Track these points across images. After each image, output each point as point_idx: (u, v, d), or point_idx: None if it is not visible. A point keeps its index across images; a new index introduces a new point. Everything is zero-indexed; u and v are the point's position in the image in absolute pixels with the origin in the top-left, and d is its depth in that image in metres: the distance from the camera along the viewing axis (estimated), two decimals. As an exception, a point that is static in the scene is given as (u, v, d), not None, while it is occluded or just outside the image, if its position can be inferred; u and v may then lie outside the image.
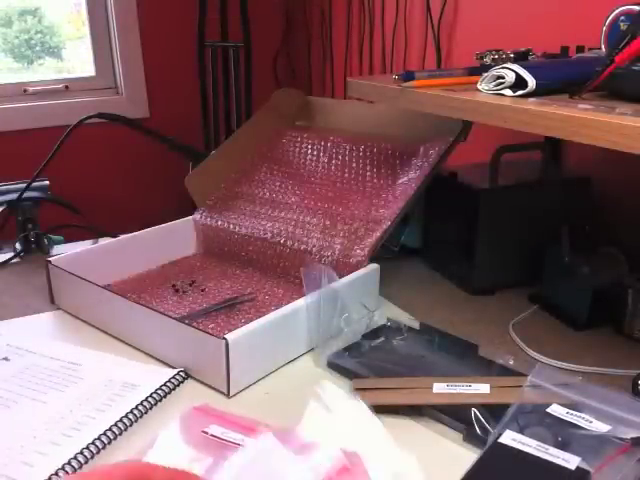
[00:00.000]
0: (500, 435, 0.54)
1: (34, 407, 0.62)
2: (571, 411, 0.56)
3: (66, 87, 1.88)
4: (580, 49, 0.85)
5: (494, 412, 0.57)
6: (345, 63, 1.72)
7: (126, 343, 0.75)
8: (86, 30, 1.89)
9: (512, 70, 0.67)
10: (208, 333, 0.66)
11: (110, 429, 0.57)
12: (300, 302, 0.72)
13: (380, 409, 0.60)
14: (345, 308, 0.73)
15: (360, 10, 1.61)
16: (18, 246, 1.04)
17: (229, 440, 0.54)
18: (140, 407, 0.61)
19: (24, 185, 1.05)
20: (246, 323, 0.67)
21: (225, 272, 0.94)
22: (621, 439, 0.52)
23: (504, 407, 0.57)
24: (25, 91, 1.84)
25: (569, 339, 0.77)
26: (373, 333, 0.75)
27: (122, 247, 0.92)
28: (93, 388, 0.64)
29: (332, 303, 0.73)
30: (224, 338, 0.62)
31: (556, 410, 0.56)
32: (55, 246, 1.06)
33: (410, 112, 0.92)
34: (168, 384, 0.65)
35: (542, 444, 0.52)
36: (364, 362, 0.68)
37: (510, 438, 0.53)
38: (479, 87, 0.72)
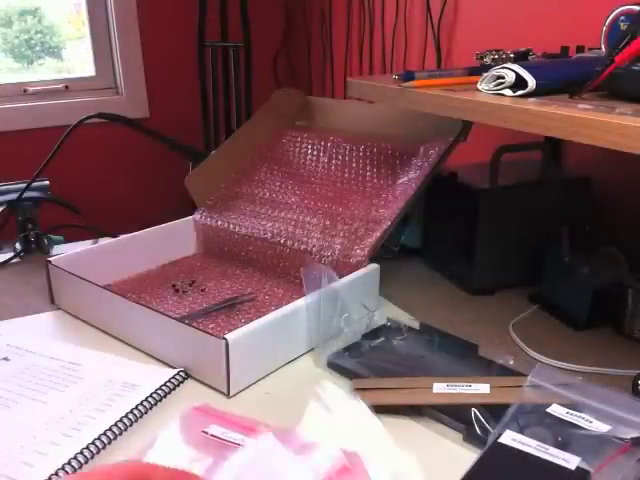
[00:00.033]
0: (500, 435, 0.54)
1: (34, 407, 0.62)
2: (571, 411, 0.56)
3: (66, 87, 1.88)
4: (580, 49, 0.85)
5: (494, 412, 0.57)
6: (345, 63, 1.72)
7: (126, 343, 0.75)
8: (86, 30, 1.89)
9: (512, 70, 0.67)
10: (208, 333, 0.66)
11: (110, 429, 0.57)
12: (300, 302, 0.72)
13: (380, 409, 0.60)
14: (345, 308, 0.73)
15: (360, 10, 1.61)
16: (18, 246, 1.04)
17: (229, 440, 0.54)
18: (140, 407, 0.61)
19: (24, 185, 1.05)
20: (246, 323, 0.67)
21: (225, 272, 0.94)
22: (621, 439, 0.52)
23: (504, 407, 0.57)
24: (25, 91, 1.84)
25: (569, 339, 0.77)
26: (373, 333, 0.75)
27: (122, 247, 0.92)
28: (93, 388, 0.64)
29: (332, 303, 0.73)
30: (224, 338, 0.62)
31: (556, 410, 0.56)
32: (55, 246, 1.06)
33: (410, 112, 0.92)
34: (168, 384, 0.65)
35: (542, 444, 0.52)
36: (364, 362, 0.68)
37: (510, 438, 0.53)
38: (479, 87, 0.72)
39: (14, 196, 1.04)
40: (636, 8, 0.67)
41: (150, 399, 0.62)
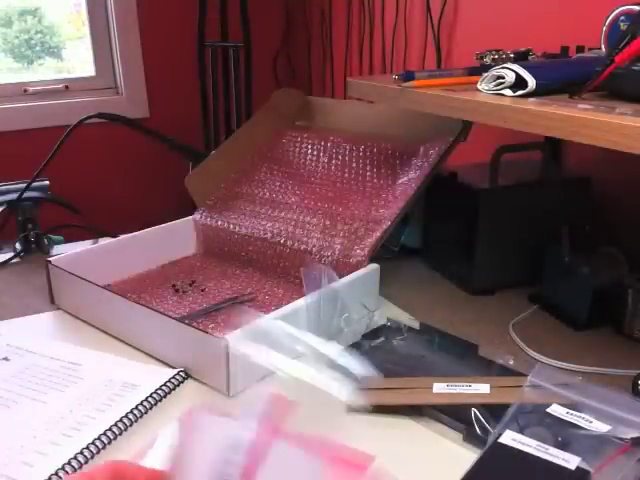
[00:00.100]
0: (500, 435, 0.54)
1: (34, 407, 0.62)
2: (571, 411, 0.56)
3: (66, 87, 1.88)
4: (580, 49, 0.85)
5: (494, 412, 0.57)
6: (345, 63, 1.72)
7: (126, 343, 0.75)
8: (86, 30, 1.89)
9: (512, 70, 0.67)
10: (208, 333, 0.66)
11: (110, 429, 0.57)
12: (300, 302, 0.72)
13: (380, 409, 0.60)
14: (345, 308, 0.73)
15: (360, 10, 1.61)
16: (18, 246, 1.04)
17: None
18: (140, 407, 0.61)
19: (24, 185, 1.05)
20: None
21: (225, 272, 0.94)
22: (621, 439, 0.52)
23: (504, 407, 0.57)
24: (25, 91, 1.84)
25: (569, 339, 0.77)
26: (373, 333, 0.75)
27: (122, 247, 0.92)
28: (93, 388, 0.64)
29: (332, 303, 0.73)
30: (224, 338, 0.62)
31: (556, 410, 0.56)
32: (55, 246, 1.06)
33: (410, 112, 0.92)
34: (168, 384, 0.65)
35: (542, 444, 0.52)
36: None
37: (510, 438, 0.53)
38: (479, 87, 0.72)
39: (14, 196, 1.04)
40: (636, 8, 0.67)
41: (150, 399, 0.62)
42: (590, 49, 0.82)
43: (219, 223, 0.99)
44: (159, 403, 0.63)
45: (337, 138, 1.01)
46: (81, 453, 0.54)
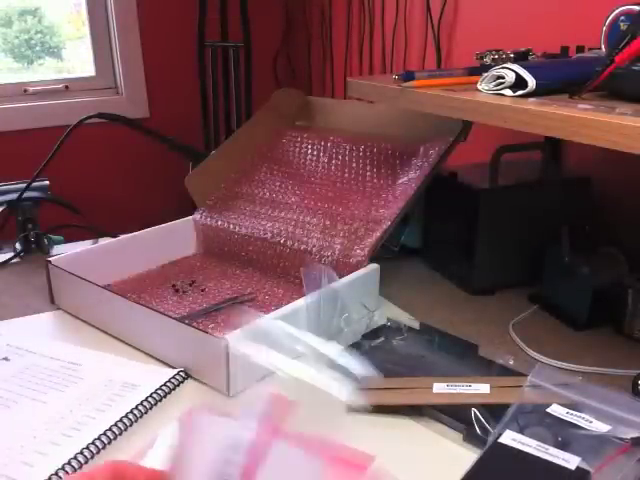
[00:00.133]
0: (500, 435, 0.54)
1: (34, 407, 0.62)
2: (571, 411, 0.56)
3: (66, 87, 1.88)
4: (580, 49, 0.85)
5: (494, 412, 0.57)
6: (345, 63, 1.72)
7: (126, 343, 0.75)
8: (86, 30, 1.89)
9: (512, 70, 0.67)
10: (208, 333, 0.66)
11: (110, 429, 0.57)
12: (300, 302, 0.72)
13: (380, 409, 0.60)
14: (345, 308, 0.73)
15: (360, 10, 1.61)
16: (18, 246, 1.04)
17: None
18: (140, 407, 0.61)
19: (24, 185, 1.05)
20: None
21: (225, 272, 0.94)
22: (621, 439, 0.52)
23: (504, 407, 0.57)
24: (25, 91, 1.84)
25: (569, 339, 0.77)
26: (373, 333, 0.75)
27: (122, 247, 0.92)
28: (93, 388, 0.64)
29: (332, 303, 0.73)
30: (224, 338, 0.62)
31: (556, 410, 0.56)
32: (55, 246, 1.06)
33: (410, 112, 0.92)
34: (168, 384, 0.65)
35: (542, 444, 0.52)
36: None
37: (510, 438, 0.53)
38: (479, 87, 0.72)
39: (14, 196, 1.04)
40: (636, 8, 0.67)
41: (150, 399, 0.62)
42: (590, 49, 0.82)
43: (219, 223, 0.99)
44: (159, 403, 0.63)
45: (337, 138, 1.01)
46: (81, 453, 0.54)
